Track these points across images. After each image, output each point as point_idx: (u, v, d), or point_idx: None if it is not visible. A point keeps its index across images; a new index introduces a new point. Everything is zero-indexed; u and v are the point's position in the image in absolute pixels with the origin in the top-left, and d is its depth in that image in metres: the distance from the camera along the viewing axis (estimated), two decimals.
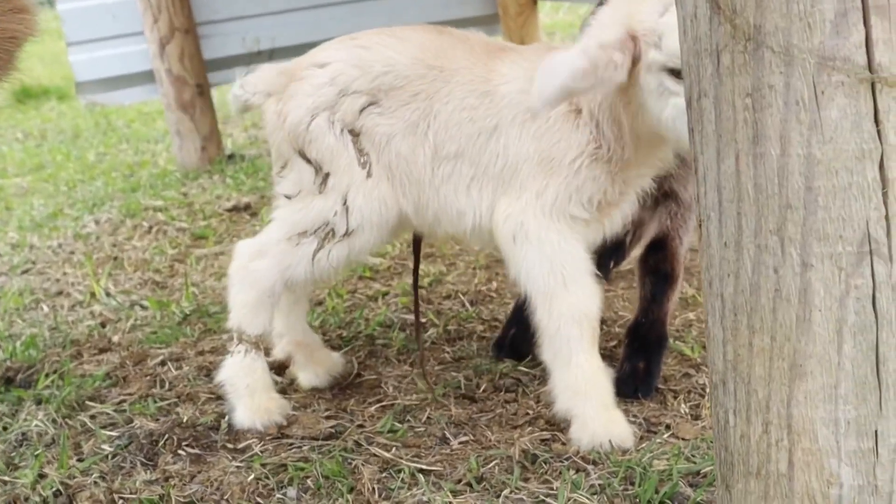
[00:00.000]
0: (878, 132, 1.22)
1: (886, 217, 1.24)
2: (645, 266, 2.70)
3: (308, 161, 2.45)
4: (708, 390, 2.51)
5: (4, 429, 2.66)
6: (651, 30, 2.16)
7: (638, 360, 2.66)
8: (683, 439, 2.35)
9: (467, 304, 3.33)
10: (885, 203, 1.24)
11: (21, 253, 4.41)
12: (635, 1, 2.24)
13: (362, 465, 2.29)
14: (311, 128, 2.43)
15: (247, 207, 4.74)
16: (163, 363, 2.99)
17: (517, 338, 2.84)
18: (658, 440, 2.34)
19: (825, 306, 1.28)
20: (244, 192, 5.06)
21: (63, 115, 8.43)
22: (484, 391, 2.67)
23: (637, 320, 2.70)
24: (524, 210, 2.34)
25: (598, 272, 2.76)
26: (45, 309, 3.67)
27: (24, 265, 4.23)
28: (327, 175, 2.44)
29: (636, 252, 2.90)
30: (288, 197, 2.51)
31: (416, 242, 2.76)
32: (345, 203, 2.43)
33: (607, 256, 2.91)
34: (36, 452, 2.47)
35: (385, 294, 3.49)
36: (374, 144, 2.43)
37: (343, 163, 2.43)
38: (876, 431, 1.31)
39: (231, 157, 5.88)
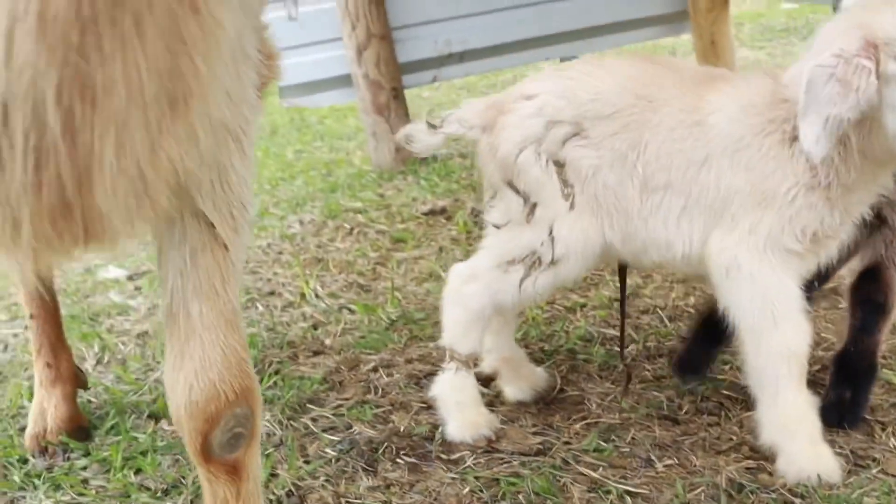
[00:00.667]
0: None
1: None
2: (857, 295, 2.67)
3: (517, 192, 2.55)
4: None
5: None
6: (894, 39, 2.14)
7: (845, 389, 2.64)
8: (893, 476, 2.34)
9: (665, 320, 3.38)
10: None
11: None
12: (872, 8, 2.21)
13: (571, 483, 2.39)
14: (519, 159, 2.53)
15: (443, 211, 4.91)
16: (375, 369, 3.18)
17: (699, 356, 2.88)
18: (866, 475, 2.34)
19: None
20: (438, 195, 5.24)
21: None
22: (686, 413, 2.73)
23: (846, 349, 2.67)
24: (738, 244, 2.37)
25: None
26: (260, 308, 3.95)
27: None
28: (535, 205, 2.54)
29: (845, 276, 2.87)
30: (497, 226, 2.63)
31: (622, 271, 2.83)
32: (550, 233, 2.52)
33: (812, 279, 2.90)
34: (266, 452, 2.69)
35: (583, 306, 3.58)
36: (579, 176, 2.51)
37: (549, 193, 2.52)
38: None
39: (424, 158, 6.09)
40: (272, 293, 4.13)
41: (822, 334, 3.19)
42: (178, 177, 1.53)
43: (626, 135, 2.47)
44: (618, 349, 3.13)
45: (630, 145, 2.47)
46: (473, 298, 2.63)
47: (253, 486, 1.78)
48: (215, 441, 1.72)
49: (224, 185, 1.68)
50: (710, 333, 2.79)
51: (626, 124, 2.48)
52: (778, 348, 2.35)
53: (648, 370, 3.01)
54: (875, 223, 2.64)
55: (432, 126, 2.66)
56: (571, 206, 2.51)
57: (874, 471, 2.38)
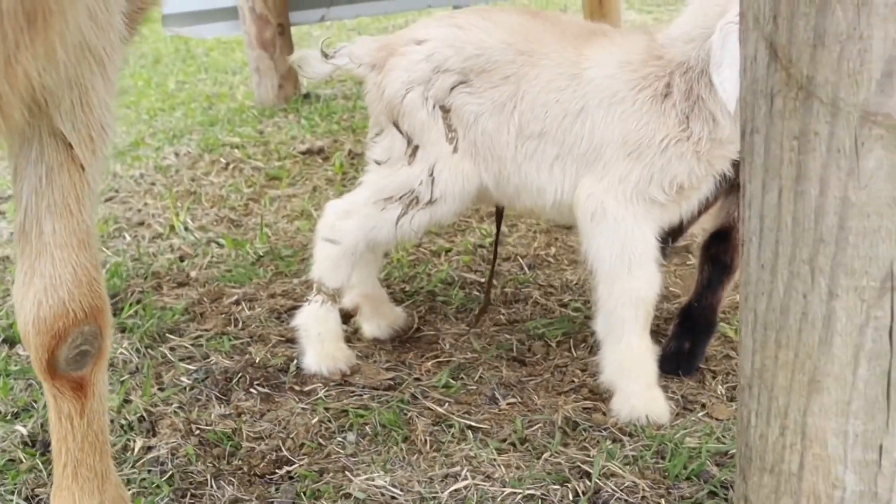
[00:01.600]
0: None
1: None
2: (706, 254, 2.82)
3: (401, 132, 2.62)
4: None
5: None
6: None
7: (685, 340, 2.81)
8: (717, 419, 2.51)
9: (525, 268, 3.50)
10: None
11: (105, 180, 4.66)
12: None
13: (417, 416, 2.49)
14: (405, 101, 2.59)
15: (320, 151, 4.93)
16: (237, 302, 3.21)
17: (685, 351, 2.82)
18: (692, 418, 2.51)
19: (846, 332, 1.43)
20: (318, 134, 5.25)
21: (145, 40, 8.65)
22: (534, 355, 2.86)
23: (690, 303, 2.83)
24: (606, 191, 2.48)
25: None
26: (128, 238, 3.92)
27: (108, 192, 4.48)
28: (417, 147, 2.61)
29: (697, 235, 3.03)
30: (378, 163, 2.69)
31: (499, 213, 2.93)
32: (431, 174, 2.59)
33: (666, 234, 3.05)
34: (121, 379, 2.71)
35: (448, 251, 3.67)
36: (462, 121, 2.59)
37: (433, 137, 2.60)
38: (881, 445, 1.46)
39: (307, 96, 6.06)
40: (141, 224, 4.10)
41: (671, 289, 3.36)
42: (35, 92, 1.54)
43: (506, 87, 2.56)
44: (476, 292, 3.24)
45: (509, 96, 2.56)
46: (347, 234, 2.68)
47: (98, 404, 1.81)
48: (61, 357, 1.74)
49: (84, 107, 1.68)
50: (692, 327, 2.83)
51: (506, 77, 2.56)
52: (629, 294, 2.49)
53: (503, 314, 3.12)
54: (729, 188, 2.79)
55: (325, 55, 2.69)
56: (455, 150, 2.59)
57: (700, 414, 2.54)
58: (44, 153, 1.67)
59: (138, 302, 3.24)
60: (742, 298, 1.60)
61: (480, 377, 2.72)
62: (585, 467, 2.26)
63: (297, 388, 2.65)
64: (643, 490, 2.18)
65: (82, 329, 1.73)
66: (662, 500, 2.14)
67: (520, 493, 2.15)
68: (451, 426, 2.45)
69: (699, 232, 3.15)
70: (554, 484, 2.19)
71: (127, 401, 2.60)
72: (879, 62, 1.33)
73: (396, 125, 2.63)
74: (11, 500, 2.16)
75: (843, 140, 1.37)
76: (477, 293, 3.28)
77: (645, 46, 2.54)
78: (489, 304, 3.02)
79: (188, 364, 2.80)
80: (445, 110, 2.59)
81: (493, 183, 2.63)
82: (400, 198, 2.63)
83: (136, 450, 2.36)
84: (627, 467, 2.27)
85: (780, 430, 1.55)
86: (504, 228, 3.86)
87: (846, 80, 1.35)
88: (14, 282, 1.74)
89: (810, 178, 1.41)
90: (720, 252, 2.79)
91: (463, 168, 2.60)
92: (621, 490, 2.17)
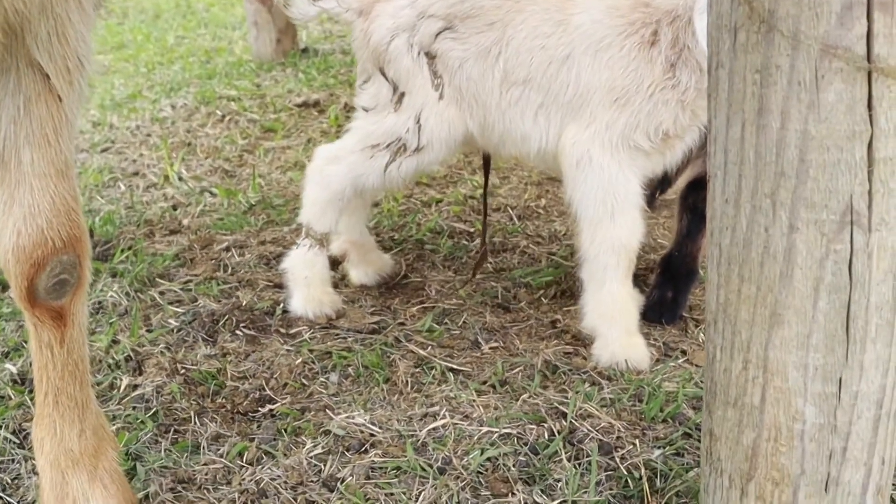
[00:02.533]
0: (870, 116, 1.37)
1: (869, 192, 1.40)
2: (685, 203, 2.83)
3: (387, 79, 2.63)
4: None
5: None
6: None
7: (667, 289, 2.83)
8: (696, 365, 2.54)
9: (515, 219, 3.52)
10: (870, 180, 1.39)
11: (101, 132, 4.68)
12: None
13: (399, 359, 2.52)
14: (390, 48, 2.60)
15: (316, 104, 4.93)
16: (227, 249, 3.24)
17: (668, 299, 2.84)
18: (672, 364, 2.54)
19: (806, 265, 1.45)
20: (315, 88, 5.25)
21: None
22: (519, 302, 2.88)
23: (671, 252, 2.85)
24: (592, 138, 2.49)
25: (646, 202, 2.93)
26: (122, 188, 3.94)
27: (103, 144, 4.50)
28: (403, 94, 2.62)
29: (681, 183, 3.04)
30: (366, 109, 2.70)
31: (486, 161, 2.94)
32: (417, 121, 2.61)
33: (654, 185, 3.06)
34: (110, 321, 2.75)
35: (439, 201, 3.69)
36: (447, 68, 2.59)
37: (418, 83, 2.60)
38: (840, 379, 1.49)
39: (305, 50, 6.05)
40: (136, 174, 4.12)
41: (659, 240, 3.38)
42: (7, 14, 1.55)
43: (491, 33, 2.56)
44: (465, 241, 3.26)
45: (494, 41, 2.56)
46: (335, 179, 2.70)
47: (77, 333, 1.84)
48: (41, 285, 1.76)
49: (60, 38, 1.70)
50: (673, 276, 2.85)
51: (491, 23, 2.56)
52: (611, 241, 2.50)
53: (491, 262, 3.15)
54: (707, 137, 2.79)
55: None
56: (441, 97, 2.60)
57: (680, 360, 2.57)
58: (21, 83, 1.69)
59: (130, 248, 3.27)
60: (708, 234, 1.62)
61: (464, 322, 2.75)
62: (563, 408, 2.29)
63: (282, 330, 2.69)
64: (618, 430, 2.21)
65: (61, 258, 1.76)
66: (637, 441, 2.17)
67: (496, 432, 2.18)
68: (432, 368, 2.48)
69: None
70: (530, 423, 2.22)
71: (115, 341, 2.64)
72: None
73: (382, 72, 2.64)
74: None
75: (804, 73, 1.38)
76: (465, 242, 3.31)
77: None
78: (486, 255, 3.04)
79: (176, 307, 2.83)
80: (431, 57, 2.59)
81: (478, 130, 2.64)
82: (388, 145, 2.64)
83: (123, 388, 2.40)
84: (604, 409, 2.30)
85: (743, 363, 1.57)
86: (495, 180, 3.88)
87: (807, 12, 1.35)
88: None
89: (772, 111, 1.42)
90: (698, 201, 2.80)
91: (449, 115, 2.61)
92: (597, 430, 2.21)
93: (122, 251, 3.23)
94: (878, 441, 1.54)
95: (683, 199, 2.88)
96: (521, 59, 2.54)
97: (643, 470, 2.05)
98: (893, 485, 1.94)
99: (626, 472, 2.05)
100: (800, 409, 1.53)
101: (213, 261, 3.15)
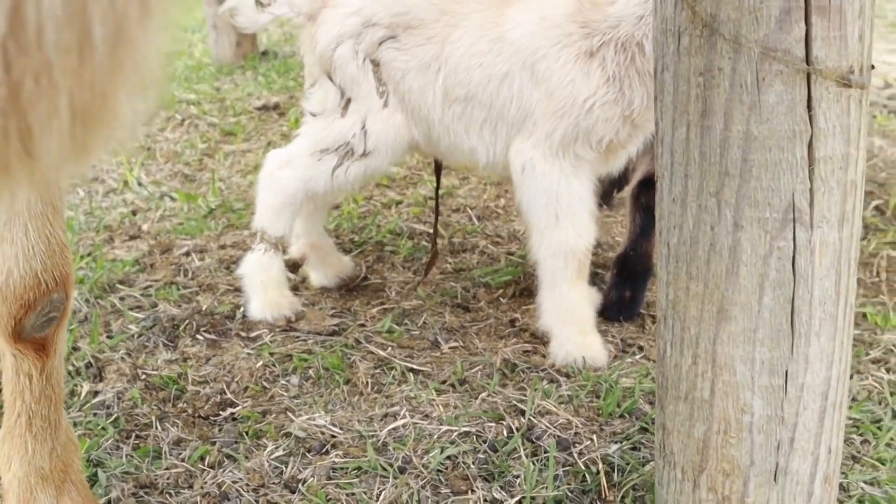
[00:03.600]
0: (810, 117, 1.41)
1: (811, 191, 1.44)
2: (636, 202, 2.87)
3: (334, 83, 2.65)
4: None
5: None
6: None
7: (624, 289, 2.87)
8: (653, 361, 2.58)
9: (474, 219, 3.55)
10: (811, 178, 1.44)
11: None
12: None
13: (359, 360, 2.54)
14: (336, 54, 2.62)
15: (276, 107, 4.94)
16: (187, 254, 3.24)
17: (625, 298, 2.88)
18: (629, 360, 2.58)
19: (751, 262, 1.49)
20: (274, 91, 5.25)
21: None
22: (478, 302, 2.91)
23: (625, 252, 2.89)
24: (534, 147, 2.52)
25: (602, 200, 2.97)
26: (81, 194, 3.92)
27: None
28: (349, 100, 2.64)
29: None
30: (313, 114, 2.71)
31: (438, 166, 2.96)
32: (363, 127, 2.63)
33: (612, 183, 3.10)
34: (70, 327, 2.74)
35: (399, 203, 3.71)
36: (391, 77, 2.62)
37: (363, 90, 2.63)
38: (786, 372, 1.53)
39: (265, 53, 6.05)
40: (95, 179, 4.10)
41: (617, 238, 3.42)
42: None
43: (431, 47, 2.59)
44: (425, 243, 3.29)
45: (433, 56, 2.59)
46: (287, 183, 2.71)
47: (57, 361, 1.79)
48: (28, 325, 1.70)
49: None
50: (630, 275, 2.88)
51: (430, 37, 2.59)
52: (557, 245, 2.54)
53: (450, 263, 3.18)
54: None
55: (260, 4, 2.71)
56: (385, 104, 2.62)
57: (638, 356, 2.61)
58: None
59: (89, 254, 3.26)
60: (657, 233, 1.66)
61: (424, 323, 2.77)
62: (521, 406, 2.32)
63: (242, 334, 2.70)
64: (576, 426, 2.25)
65: (51, 297, 1.71)
66: (595, 436, 2.21)
67: (455, 431, 2.21)
68: (392, 369, 2.51)
69: None
70: (489, 421, 2.25)
71: (75, 348, 2.63)
72: None
73: (329, 77, 2.66)
74: None
75: (745, 75, 1.42)
76: (425, 244, 3.33)
77: (570, 5, 2.54)
78: (437, 255, 3.07)
79: (137, 313, 2.83)
80: (375, 64, 2.62)
81: (423, 140, 2.67)
82: (336, 149, 2.67)
83: (83, 394, 2.40)
84: (562, 406, 2.33)
85: (693, 358, 1.61)
86: (455, 181, 3.91)
87: (747, 17, 1.40)
88: None
89: (715, 112, 1.46)
90: (650, 200, 2.84)
91: (395, 121, 2.64)
92: (555, 427, 2.24)
93: (82, 257, 3.22)
94: (824, 431, 1.58)
95: (635, 198, 2.92)
96: (460, 78, 2.57)
97: (600, 465, 2.09)
98: (841, 473, 2.00)
99: (583, 467, 2.09)
100: (748, 402, 1.57)
101: (173, 266, 3.15)
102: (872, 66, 1.47)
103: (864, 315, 2.76)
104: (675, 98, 1.51)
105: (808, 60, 1.39)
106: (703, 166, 1.49)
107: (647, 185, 2.85)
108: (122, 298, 2.94)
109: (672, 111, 1.53)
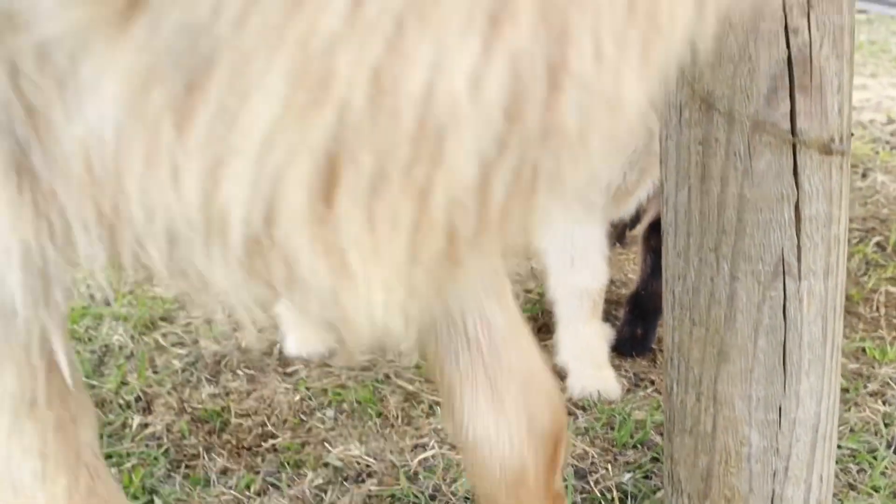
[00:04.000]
0: (796, 181, 1.60)
1: (798, 246, 1.62)
2: (647, 245, 3.04)
3: None
4: None
5: (90, 340, 3.13)
6: None
7: (636, 326, 3.04)
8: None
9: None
10: (798, 236, 1.62)
11: None
12: None
13: (390, 394, 2.73)
14: None
15: None
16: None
17: (637, 334, 3.02)
18: (641, 393, 2.75)
19: (746, 310, 1.67)
20: None
21: None
22: None
23: (637, 292, 3.06)
24: None
25: (616, 239, 3.15)
26: None
27: None
28: None
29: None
30: None
31: None
32: None
33: (624, 223, 3.27)
34: (118, 363, 2.94)
35: None
36: None
37: None
38: (780, 407, 1.71)
39: None
40: None
41: (629, 275, 3.60)
42: None
43: None
44: None
45: None
46: None
47: None
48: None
49: None
50: (641, 313, 3.02)
51: None
52: (572, 286, 2.72)
53: None
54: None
55: None
56: None
57: (649, 390, 2.78)
58: None
59: (131, 292, 3.46)
60: (664, 282, 1.84)
61: None
62: None
63: (280, 369, 2.89)
64: (592, 457, 2.42)
65: None
66: (609, 465, 2.38)
67: None
68: (420, 402, 2.69)
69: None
70: None
71: (124, 382, 2.82)
72: (765, 79, 1.56)
73: None
74: None
75: (739, 145, 1.60)
76: None
77: None
78: None
79: (179, 349, 3.02)
80: None
81: None
82: None
83: (135, 426, 2.59)
84: (580, 437, 2.51)
85: (696, 396, 1.79)
86: None
87: (739, 94, 1.58)
88: None
89: (713, 177, 1.64)
90: (659, 242, 2.99)
91: None
92: (573, 457, 2.41)
93: (124, 295, 3.42)
94: (815, 461, 1.76)
95: (646, 240, 3.08)
96: None
97: (615, 492, 2.26)
98: (838, 500, 2.17)
99: (599, 495, 2.26)
100: (746, 435, 1.74)
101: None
102: (852, 134, 1.66)
103: (864, 350, 2.93)
104: (677, 164, 1.70)
105: (793, 132, 1.58)
106: (703, 225, 1.68)
107: (657, 228, 3.02)
108: (164, 335, 3.13)
109: (675, 175, 1.71)
